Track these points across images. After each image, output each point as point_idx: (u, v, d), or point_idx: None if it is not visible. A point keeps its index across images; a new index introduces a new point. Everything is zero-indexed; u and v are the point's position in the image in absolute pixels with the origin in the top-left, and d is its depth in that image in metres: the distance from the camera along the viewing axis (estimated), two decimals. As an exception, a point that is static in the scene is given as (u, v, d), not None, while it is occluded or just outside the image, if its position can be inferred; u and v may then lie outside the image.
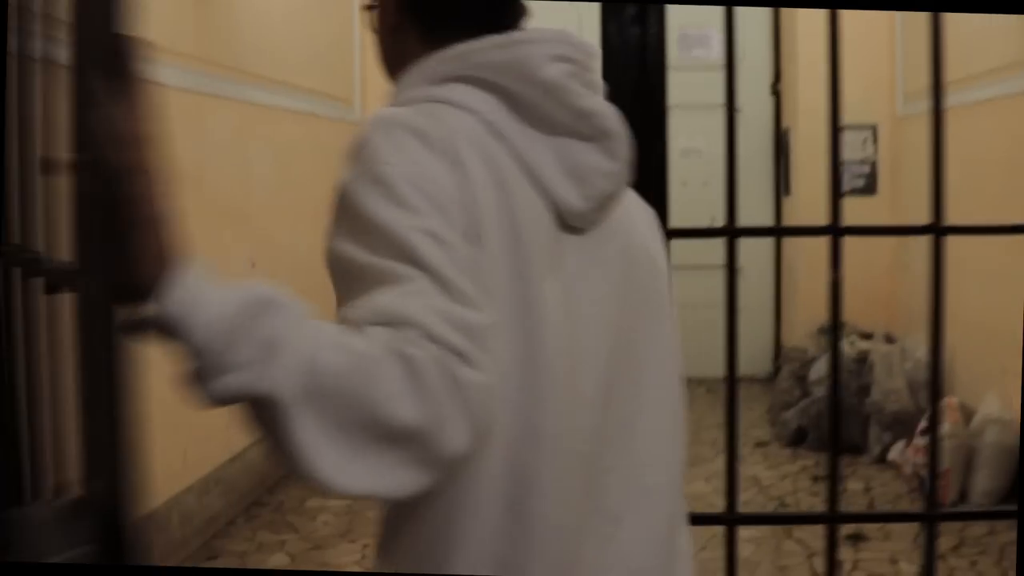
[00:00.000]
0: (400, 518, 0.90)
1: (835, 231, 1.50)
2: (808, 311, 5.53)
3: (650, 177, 1.27)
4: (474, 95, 0.89)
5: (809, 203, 5.53)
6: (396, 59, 0.97)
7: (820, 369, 4.59)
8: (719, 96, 6.36)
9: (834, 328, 1.56)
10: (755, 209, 6.04)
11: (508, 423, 0.85)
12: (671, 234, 1.36)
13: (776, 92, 5.97)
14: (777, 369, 6.01)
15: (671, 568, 0.99)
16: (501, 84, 0.89)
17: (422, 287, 0.78)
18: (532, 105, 0.89)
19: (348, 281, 0.82)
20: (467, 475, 0.84)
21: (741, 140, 6.33)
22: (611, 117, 0.92)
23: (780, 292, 6.11)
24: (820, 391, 4.51)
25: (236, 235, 4.02)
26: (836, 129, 1.56)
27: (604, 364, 0.92)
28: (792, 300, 5.78)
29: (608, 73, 1.33)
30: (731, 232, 1.53)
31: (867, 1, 4.64)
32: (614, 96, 0.95)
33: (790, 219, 5.84)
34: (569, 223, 0.91)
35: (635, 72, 1.48)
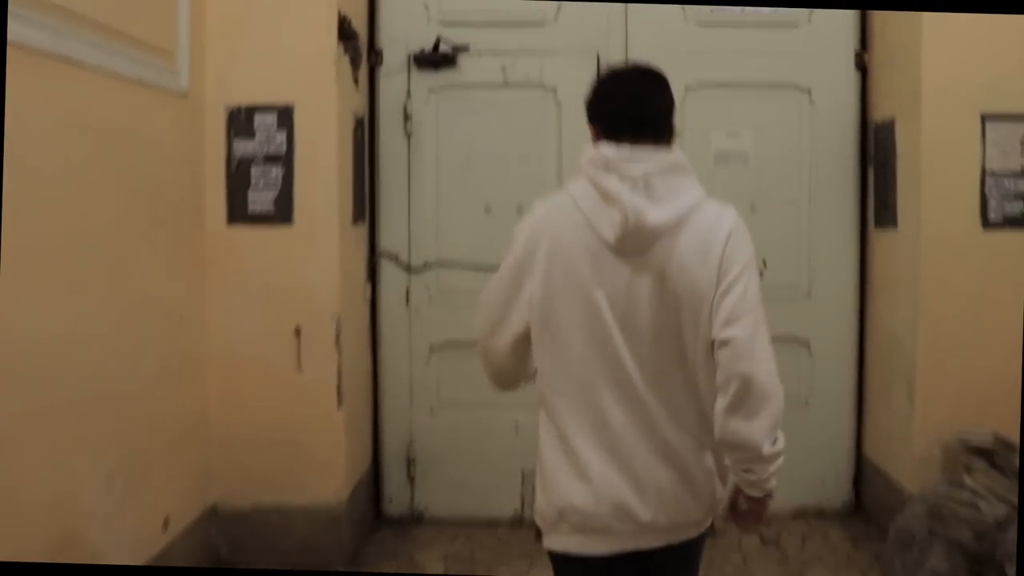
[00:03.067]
0: None
1: None
2: (938, 412, 3.42)
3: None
4: (577, 183, 1.83)
5: (934, 239, 3.42)
6: None
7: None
8: (774, 70, 3.41)
9: None
10: (835, 247, 3.88)
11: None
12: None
13: (862, 67, 3.85)
14: (857, 499, 3.88)
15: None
16: (588, 176, 1.82)
17: None
18: (593, 186, 1.79)
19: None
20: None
21: (812, 138, 3.54)
22: (621, 193, 1.76)
23: (863, 378, 3.95)
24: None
25: None
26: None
27: (646, 333, 1.78)
28: (895, 394, 3.64)
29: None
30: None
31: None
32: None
33: (892, 265, 3.70)
34: (617, 249, 1.77)
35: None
